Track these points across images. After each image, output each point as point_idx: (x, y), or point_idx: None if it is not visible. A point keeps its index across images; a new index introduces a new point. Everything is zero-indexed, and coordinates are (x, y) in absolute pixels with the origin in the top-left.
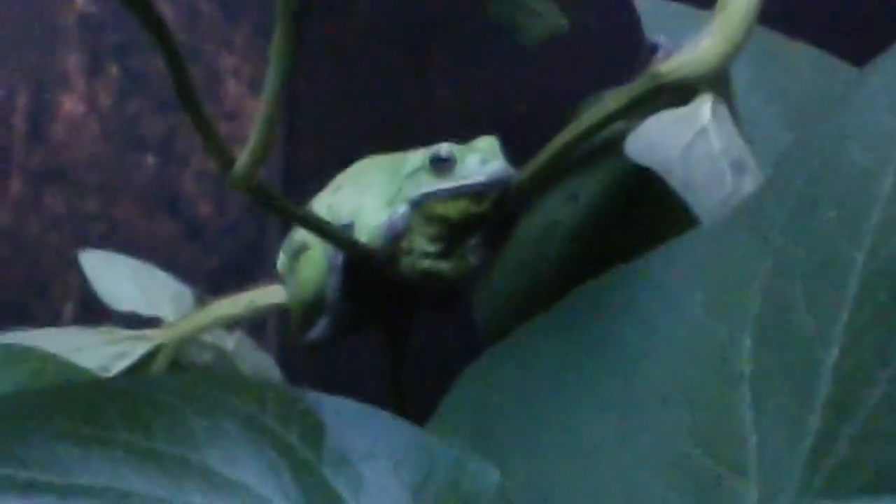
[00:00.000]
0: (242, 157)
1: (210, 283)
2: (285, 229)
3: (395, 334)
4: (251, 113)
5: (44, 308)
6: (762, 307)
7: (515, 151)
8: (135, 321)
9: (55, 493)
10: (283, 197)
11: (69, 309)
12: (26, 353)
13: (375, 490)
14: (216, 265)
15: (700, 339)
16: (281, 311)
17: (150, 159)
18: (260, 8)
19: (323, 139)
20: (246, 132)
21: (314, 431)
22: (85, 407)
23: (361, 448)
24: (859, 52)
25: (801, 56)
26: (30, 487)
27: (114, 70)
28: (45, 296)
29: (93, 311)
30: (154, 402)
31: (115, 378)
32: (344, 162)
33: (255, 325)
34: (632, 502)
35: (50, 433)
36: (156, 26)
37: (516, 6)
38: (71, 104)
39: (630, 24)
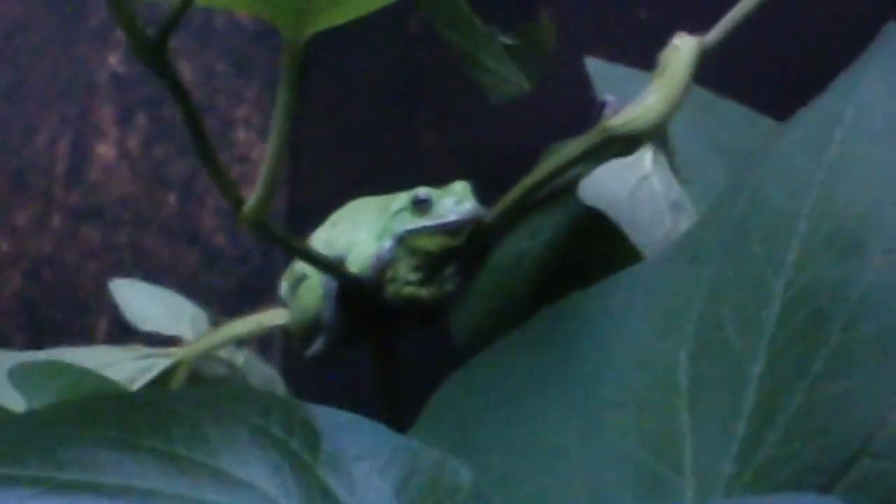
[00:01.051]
0: (252, 198)
1: (225, 305)
2: (290, 257)
3: (382, 350)
4: (260, 157)
5: (81, 325)
6: (697, 328)
7: (490, 191)
8: (158, 340)
9: (90, 492)
10: (286, 232)
11: (103, 326)
12: (65, 367)
13: (364, 488)
14: (230, 289)
15: (645, 354)
16: (285, 331)
17: (174, 198)
18: (268, 65)
19: (322, 181)
20: (256, 174)
21: (311, 437)
22: (116, 416)
23: (351, 451)
24: (776, 107)
25: (730, 110)
26: (68, 487)
27: (142, 120)
28: (83, 315)
29: (123, 329)
30: (175, 412)
31: (142, 391)
32: (341, 201)
33: (262, 342)
34: (590, 496)
35: (85, 439)
36: (177, 89)
37: (484, 70)
38: (105, 150)
39: (584, 86)
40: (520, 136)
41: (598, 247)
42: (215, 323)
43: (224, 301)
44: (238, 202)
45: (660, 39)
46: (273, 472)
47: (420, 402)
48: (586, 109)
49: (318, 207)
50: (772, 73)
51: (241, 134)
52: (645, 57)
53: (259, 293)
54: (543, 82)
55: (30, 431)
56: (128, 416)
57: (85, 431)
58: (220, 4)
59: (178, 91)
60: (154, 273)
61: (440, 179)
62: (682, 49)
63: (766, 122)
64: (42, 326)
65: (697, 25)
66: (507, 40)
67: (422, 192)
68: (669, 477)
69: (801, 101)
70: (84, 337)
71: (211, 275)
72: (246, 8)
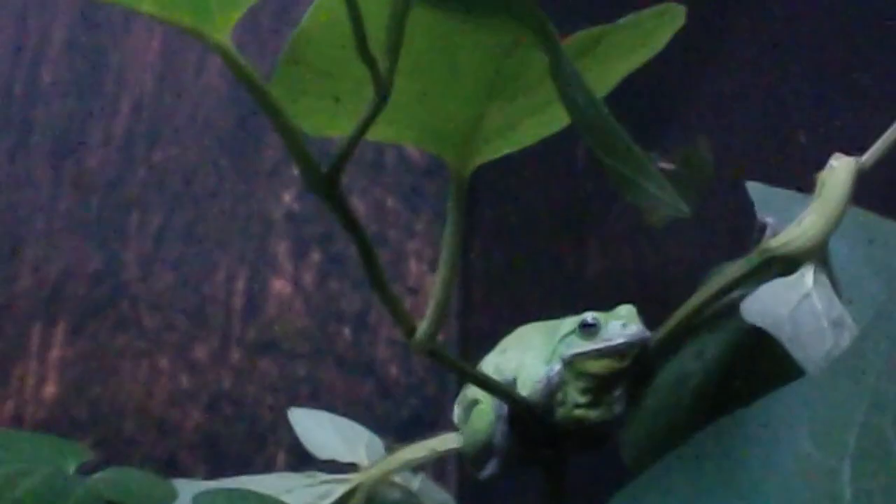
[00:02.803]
0: (422, 326)
1: (399, 434)
2: (460, 385)
3: (553, 472)
4: (431, 288)
5: (261, 458)
6: (859, 439)
7: (655, 314)
8: (335, 468)
9: None
10: (458, 358)
11: (282, 459)
12: (246, 494)
13: None
14: (405, 418)
15: (808, 467)
16: (458, 455)
17: (348, 330)
18: (437, 199)
19: (492, 310)
20: (427, 305)
21: None
22: None
23: None
24: None
25: (891, 230)
26: None
27: (316, 256)
28: (262, 448)
29: (301, 460)
30: None
31: None
32: (511, 329)
33: (438, 468)
34: None
35: None
36: (349, 221)
37: (644, 195)
38: (280, 285)
39: (744, 209)
40: (683, 262)
41: (761, 366)
42: (390, 449)
43: (399, 431)
44: (410, 330)
45: (820, 162)
46: None
47: None
48: (747, 233)
49: (488, 335)
50: None
51: (412, 266)
52: (806, 180)
53: (432, 423)
54: (705, 208)
55: None
56: None
57: None
58: (387, 139)
59: (350, 222)
60: (330, 404)
61: (606, 306)
62: (839, 169)
63: None
64: (222, 459)
65: (857, 147)
66: (666, 165)
67: (589, 316)
68: None
69: None
70: (264, 469)
71: (385, 405)
72: (412, 142)
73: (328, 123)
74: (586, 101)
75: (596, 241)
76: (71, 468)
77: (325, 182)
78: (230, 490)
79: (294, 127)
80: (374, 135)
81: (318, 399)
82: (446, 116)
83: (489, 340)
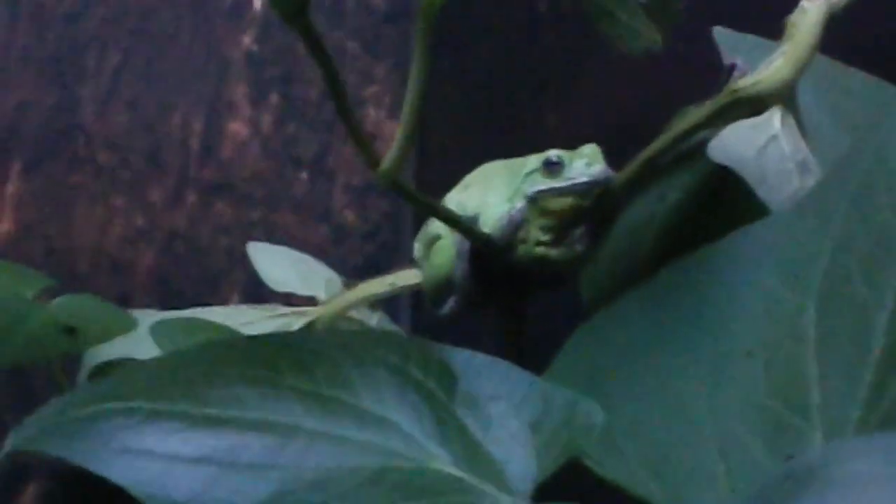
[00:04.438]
0: (388, 158)
1: (353, 280)
2: (416, 232)
3: (511, 311)
4: (389, 134)
5: (214, 299)
6: (824, 278)
7: (617, 159)
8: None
9: (233, 426)
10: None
11: (235, 299)
12: (205, 324)
13: (499, 426)
14: (359, 264)
15: (774, 305)
16: (413, 294)
17: (304, 174)
18: (397, 45)
19: (448, 161)
20: (385, 152)
21: (448, 378)
22: (259, 356)
23: (488, 391)
24: None
25: (856, 79)
26: (213, 421)
27: (274, 98)
28: (216, 289)
29: (255, 301)
30: (317, 353)
31: (284, 333)
32: (465, 174)
33: (391, 310)
34: (719, 442)
35: (230, 377)
36: (317, 47)
37: (619, 25)
38: (238, 127)
39: (712, 51)
40: (645, 107)
41: (725, 208)
42: (348, 285)
43: (353, 277)
44: (374, 162)
45: (785, 13)
46: (411, 411)
47: (546, 365)
48: (712, 82)
49: (442, 187)
50: None
51: (371, 112)
52: (771, 30)
53: (387, 269)
54: (670, 57)
55: (175, 370)
56: (270, 356)
57: (228, 370)
58: None
59: (318, 48)
60: None
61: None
62: (811, 12)
63: (892, 90)
64: (175, 300)
65: None
66: None
67: (553, 154)
68: (798, 423)
69: None
70: None
71: (340, 251)
72: None
73: None
74: None
75: (556, 90)
76: (29, 295)
77: (295, 3)
78: (189, 319)
79: None
80: None
81: (272, 243)
82: None
83: (444, 189)
